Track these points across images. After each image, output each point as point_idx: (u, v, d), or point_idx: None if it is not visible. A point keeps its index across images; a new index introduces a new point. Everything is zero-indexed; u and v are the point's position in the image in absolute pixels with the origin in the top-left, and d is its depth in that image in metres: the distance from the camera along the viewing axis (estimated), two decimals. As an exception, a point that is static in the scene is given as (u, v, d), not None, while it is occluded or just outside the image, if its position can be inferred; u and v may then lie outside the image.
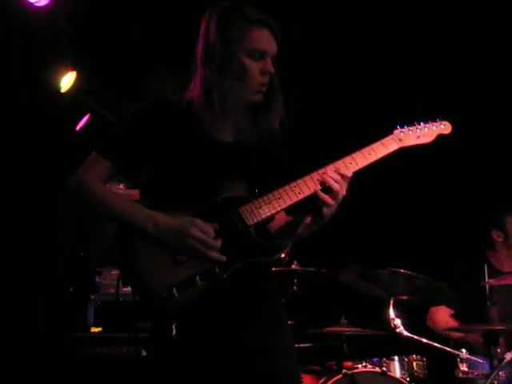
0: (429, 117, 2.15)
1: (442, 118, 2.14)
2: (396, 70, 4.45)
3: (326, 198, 1.93)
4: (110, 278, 3.88)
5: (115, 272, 3.84)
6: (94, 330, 3.70)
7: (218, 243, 1.89)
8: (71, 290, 3.86)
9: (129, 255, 1.94)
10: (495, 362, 3.00)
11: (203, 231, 1.88)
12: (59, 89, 4.15)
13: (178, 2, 3.91)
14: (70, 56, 4.12)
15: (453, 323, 3.69)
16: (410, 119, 2.14)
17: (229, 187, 1.97)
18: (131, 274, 1.95)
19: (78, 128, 4.34)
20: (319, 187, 1.95)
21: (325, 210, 1.94)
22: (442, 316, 3.75)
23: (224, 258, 1.89)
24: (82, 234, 4.01)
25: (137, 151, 1.99)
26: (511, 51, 4.33)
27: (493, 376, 2.88)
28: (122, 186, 3.82)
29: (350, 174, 1.95)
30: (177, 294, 1.87)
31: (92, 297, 3.82)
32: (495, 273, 3.58)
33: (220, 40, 1.96)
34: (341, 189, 1.93)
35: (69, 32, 3.97)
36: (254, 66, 1.97)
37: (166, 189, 2.00)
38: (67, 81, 4.16)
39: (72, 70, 4.19)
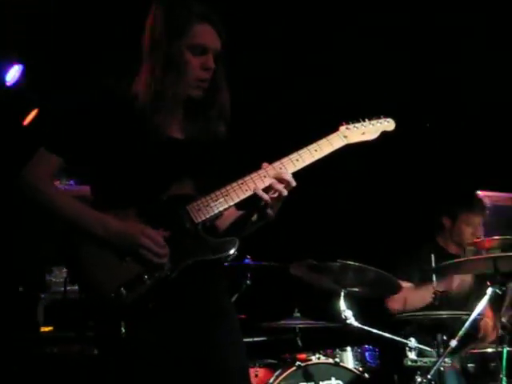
0: (374, 113, 2.20)
1: (387, 114, 2.19)
2: (341, 66, 4.49)
3: (266, 197, 1.95)
4: (60, 277, 3.81)
5: (66, 270, 3.77)
6: (45, 329, 3.63)
7: (166, 252, 1.89)
8: (20, 289, 3.78)
9: (76, 254, 1.92)
10: (442, 350, 3.08)
11: (153, 240, 1.88)
12: (4, 82, 4.04)
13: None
14: (15, 49, 4.01)
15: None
16: (356, 115, 2.17)
17: (176, 185, 1.97)
18: (79, 273, 1.93)
19: (25, 123, 4.24)
20: (264, 185, 1.97)
21: (267, 209, 1.96)
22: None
23: (170, 265, 1.89)
24: (32, 232, 3.93)
25: (85, 146, 1.96)
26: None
27: (439, 363, 2.96)
28: (72, 182, 3.75)
29: (289, 178, 1.96)
30: (125, 293, 1.86)
31: (42, 295, 3.75)
32: (444, 255, 3.69)
33: (164, 33, 1.95)
34: (282, 190, 1.95)
35: (15, 24, 3.86)
36: (194, 61, 1.96)
37: (113, 186, 1.97)
38: (13, 74, 4.06)
39: (18, 63, 4.08)
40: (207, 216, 1.95)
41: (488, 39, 4.41)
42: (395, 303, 3.67)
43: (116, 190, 1.97)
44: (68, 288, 3.59)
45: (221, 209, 1.96)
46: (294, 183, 1.97)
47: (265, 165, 2.00)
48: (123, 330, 1.86)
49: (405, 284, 3.56)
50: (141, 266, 1.89)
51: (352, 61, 4.47)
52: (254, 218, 2.04)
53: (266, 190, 1.97)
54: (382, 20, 4.27)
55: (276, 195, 1.96)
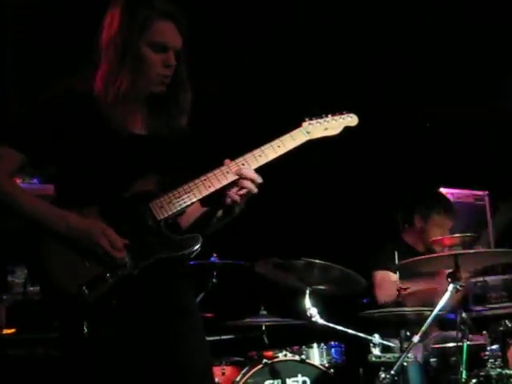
0: (337, 109, 2.21)
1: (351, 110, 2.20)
2: (303, 61, 4.51)
3: (232, 194, 1.96)
4: (23, 277, 3.73)
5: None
6: (7, 331, 3.56)
7: (124, 257, 1.88)
8: (-19, 290, 3.69)
9: (37, 253, 1.90)
10: (405, 345, 3.13)
11: (111, 242, 1.87)
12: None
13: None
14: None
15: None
16: (318, 111, 2.19)
17: (139, 182, 1.96)
18: (39, 272, 1.91)
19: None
20: (227, 181, 1.97)
21: (234, 205, 1.98)
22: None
23: (131, 264, 1.88)
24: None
25: (46, 142, 1.94)
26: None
27: (402, 358, 3.01)
28: (35, 180, 3.69)
29: (251, 174, 1.97)
30: (87, 292, 1.85)
31: (4, 297, 3.67)
32: (410, 252, 3.75)
33: (123, 29, 1.94)
34: (251, 187, 1.96)
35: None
36: (155, 58, 1.96)
37: (75, 183, 1.96)
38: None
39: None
40: (169, 213, 1.95)
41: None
42: (386, 296, 3.68)
43: (79, 188, 1.95)
44: (31, 289, 3.52)
45: (183, 205, 1.96)
46: (259, 179, 1.98)
47: (227, 161, 2.01)
48: (86, 330, 1.85)
49: (393, 276, 3.58)
50: (103, 265, 1.87)
51: (312, 54, 4.48)
52: (219, 214, 2.04)
53: (230, 186, 1.98)
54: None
55: (243, 192, 1.97)
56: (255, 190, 1.97)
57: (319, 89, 4.48)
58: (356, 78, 4.61)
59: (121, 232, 1.90)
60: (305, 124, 2.12)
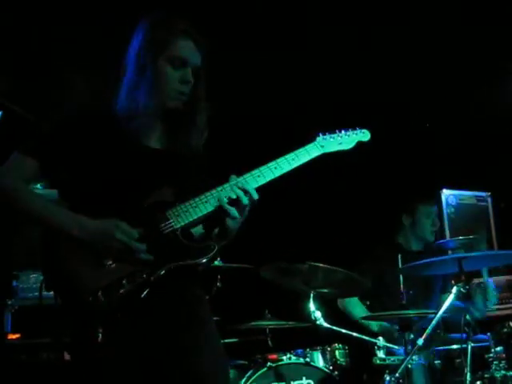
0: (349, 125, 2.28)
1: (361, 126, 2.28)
2: (317, 78, 4.53)
3: (231, 210, 1.97)
4: (28, 282, 3.74)
5: (34, 275, 3.71)
6: (12, 336, 3.57)
7: (143, 246, 1.90)
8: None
9: (53, 259, 1.92)
10: (409, 348, 3.14)
11: (127, 234, 1.88)
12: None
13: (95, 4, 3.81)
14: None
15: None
16: (332, 128, 2.25)
17: (156, 193, 1.99)
18: (55, 278, 1.93)
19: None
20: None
21: (229, 220, 1.99)
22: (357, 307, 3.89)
23: (151, 258, 1.90)
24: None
25: (61, 151, 1.97)
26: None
27: (406, 361, 3.02)
28: (38, 185, 3.70)
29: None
30: (103, 298, 1.86)
31: (9, 302, 3.68)
32: (405, 253, 3.79)
33: (144, 46, 2.00)
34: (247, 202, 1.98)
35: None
36: (173, 74, 2.01)
37: (92, 194, 1.98)
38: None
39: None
40: (186, 222, 1.98)
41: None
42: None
43: (94, 199, 1.97)
44: (44, 293, 3.52)
45: (200, 215, 1.99)
46: (255, 196, 2.00)
47: (233, 177, 2.04)
48: (100, 336, 1.85)
49: None
50: (119, 268, 1.89)
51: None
52: (215, 232, 2.06)
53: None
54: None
55: (238, 209, 1.98)
56: (246, 201, 1.98)
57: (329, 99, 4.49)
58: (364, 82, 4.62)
59: (138, 240, 1.92)
60: (319, 138, 2.19)
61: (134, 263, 1.89)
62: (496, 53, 4.53)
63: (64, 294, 1.91)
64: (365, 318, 3.64)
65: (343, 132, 2.25)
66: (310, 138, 2.17)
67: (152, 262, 1.90)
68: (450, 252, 3.33)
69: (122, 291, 1.87)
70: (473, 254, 3.14)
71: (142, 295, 1.89)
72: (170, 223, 1.97)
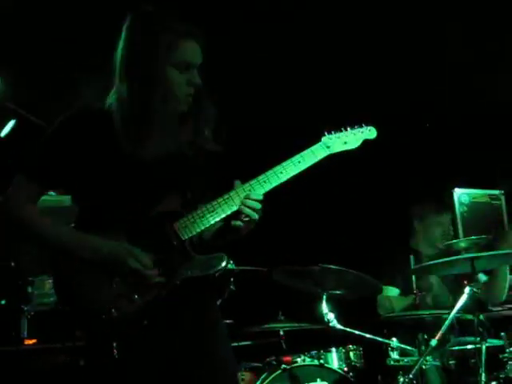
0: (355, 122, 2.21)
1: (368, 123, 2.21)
2: (320, 76, 4.52)
3: (240, 224, 1.96)
4: (43, 288, 3.78)
5: (49, 281, 3.75)
6: (28, 342, 3.61)
7: (155, 272, 1.90)
8: (2, 302, 3.75)
9: (64, 277, 1.92)
10: (423, 349, 3.13)
11: (140, 262, 1.88)
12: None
13: (104, 5, 3.83)
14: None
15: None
16: (337, 124, 2.19)
17: (163, 202, 1.96)
18: (68, 296, 1.92)
19: (2, 134, 4.19)
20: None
21: (243, 225, 1.97)
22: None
23: (163, 280, 1.90)
24: (12, 244, 3.89)
25: (63, 169, 1.94)
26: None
27: (420, 362, 3.01)
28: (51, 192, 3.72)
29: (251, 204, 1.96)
30: (116, 314, 1.86)
31: (25, 308, 3.71)
32: (419, 257, 3.77)
33: (146, 50, 1.92)
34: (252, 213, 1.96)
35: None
36: (180, 78, 1.95)
37: (99, 205, 1.96)
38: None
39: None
40: (193, 233, 1.96)
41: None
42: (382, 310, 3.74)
43: (103, 210, 1.95)
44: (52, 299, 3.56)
45: (207, 225, 1.97)
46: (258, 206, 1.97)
47: (238, 183, 2.01)
48: (116, 351, 1.86)
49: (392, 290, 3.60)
50: (131, 286, 1.89)
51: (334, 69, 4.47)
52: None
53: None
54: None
55: (247, 219, 1.96)
56: (256, 216, 1.96)
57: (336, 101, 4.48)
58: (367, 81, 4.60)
59: (147, 252, 1.92)
60: (324, 138, 2.12)
61: (144, 287, 1.90)
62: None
63: (77, 311, 1.91)
64: (386, 317, 3.62)
65: (349, 130, 2.16)
66: (315, 138, 2.11)
67: (164, 282, 1.90)
68: (462, 252, 3.31)
69: (134, 306, 1.88)
70: (485, 253, 3.12)
71: (154, 309, 1.89)
72: (178, 235, 1.94)
